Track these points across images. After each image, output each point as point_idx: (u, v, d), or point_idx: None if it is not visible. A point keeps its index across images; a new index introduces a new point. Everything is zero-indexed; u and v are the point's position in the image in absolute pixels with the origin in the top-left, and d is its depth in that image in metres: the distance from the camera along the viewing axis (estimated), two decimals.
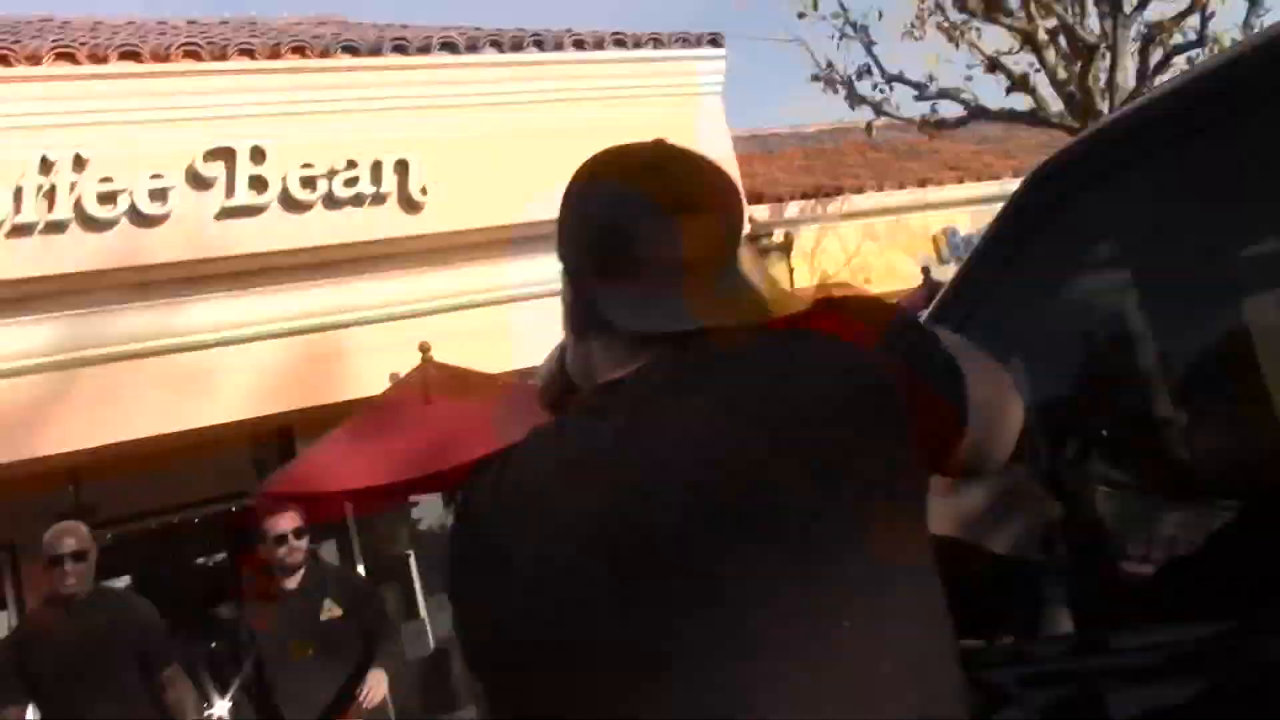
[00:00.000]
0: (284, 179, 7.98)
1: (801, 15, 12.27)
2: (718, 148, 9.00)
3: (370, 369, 7.48)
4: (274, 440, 8.49)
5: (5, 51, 7.26)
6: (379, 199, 8.34)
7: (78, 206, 7.33)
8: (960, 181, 13.01)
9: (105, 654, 4.34)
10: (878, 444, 1.23)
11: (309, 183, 8.07)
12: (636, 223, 1.32)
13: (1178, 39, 11.33)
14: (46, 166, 7.23)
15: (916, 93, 12.13)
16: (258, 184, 7.90)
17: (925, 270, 9.86)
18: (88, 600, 4.51)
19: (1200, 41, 11.18)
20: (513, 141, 8.60)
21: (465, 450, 5.77)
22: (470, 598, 1.27)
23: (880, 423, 1.24)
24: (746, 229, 4.14)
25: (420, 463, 6.02)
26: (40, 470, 7.38)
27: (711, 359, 1.27)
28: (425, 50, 8.87)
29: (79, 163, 7.31)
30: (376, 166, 8.31)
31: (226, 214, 7.83)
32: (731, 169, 5.71)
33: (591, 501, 1.20)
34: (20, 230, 7.18)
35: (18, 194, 7.14)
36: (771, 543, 1.17)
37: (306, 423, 7.82)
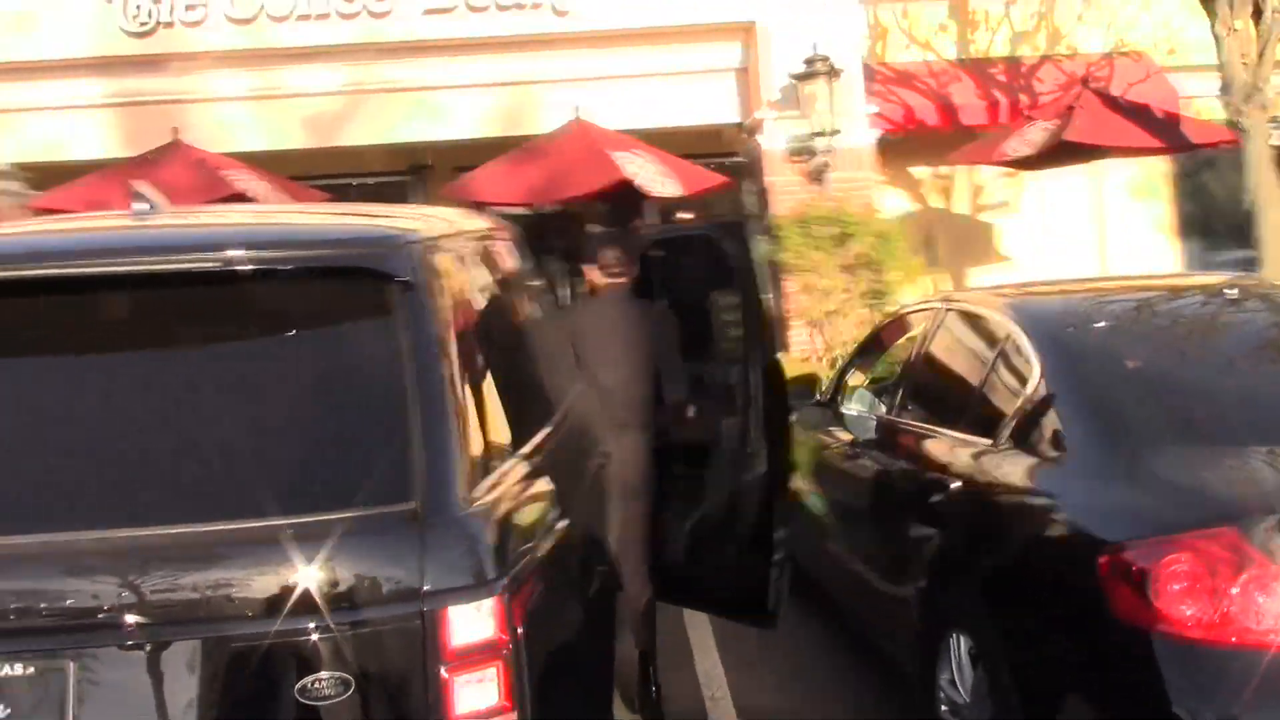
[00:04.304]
0: None
1: None
2: None
3: (537, 118, 11.58)
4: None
5: None
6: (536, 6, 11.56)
7: (333, 3, 11.40)
8: None
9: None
10: None
11: None
12: None
13: None
14: None
15: None
16: None
17: None
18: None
19: None
20: None
21: (577, 185, 9.85)
22: None
23: None
24: None
25: (537, 191, 9.91)
26: None
27: None
28: None
29: None
30: None
31: (430, 12, 11.42)
32: None
33: None
34: (306, 17, 11.48)
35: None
36: None
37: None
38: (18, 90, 11.87)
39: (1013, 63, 13.26)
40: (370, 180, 13.05)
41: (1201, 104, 12.62)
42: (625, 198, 10.69)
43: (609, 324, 4.80)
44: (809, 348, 11.37)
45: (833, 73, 10.90)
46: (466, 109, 12.05)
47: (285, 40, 11.46)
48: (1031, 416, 3.91)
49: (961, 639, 3.84)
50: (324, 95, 11.95)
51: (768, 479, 4.53)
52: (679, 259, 5.26)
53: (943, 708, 3.99)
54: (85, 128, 12.05)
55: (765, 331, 4.61)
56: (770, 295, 12.64)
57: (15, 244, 2.88)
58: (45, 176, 11.89)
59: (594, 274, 5.22)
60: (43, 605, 2.30)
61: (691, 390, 4.97)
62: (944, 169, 13.69)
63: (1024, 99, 12.67)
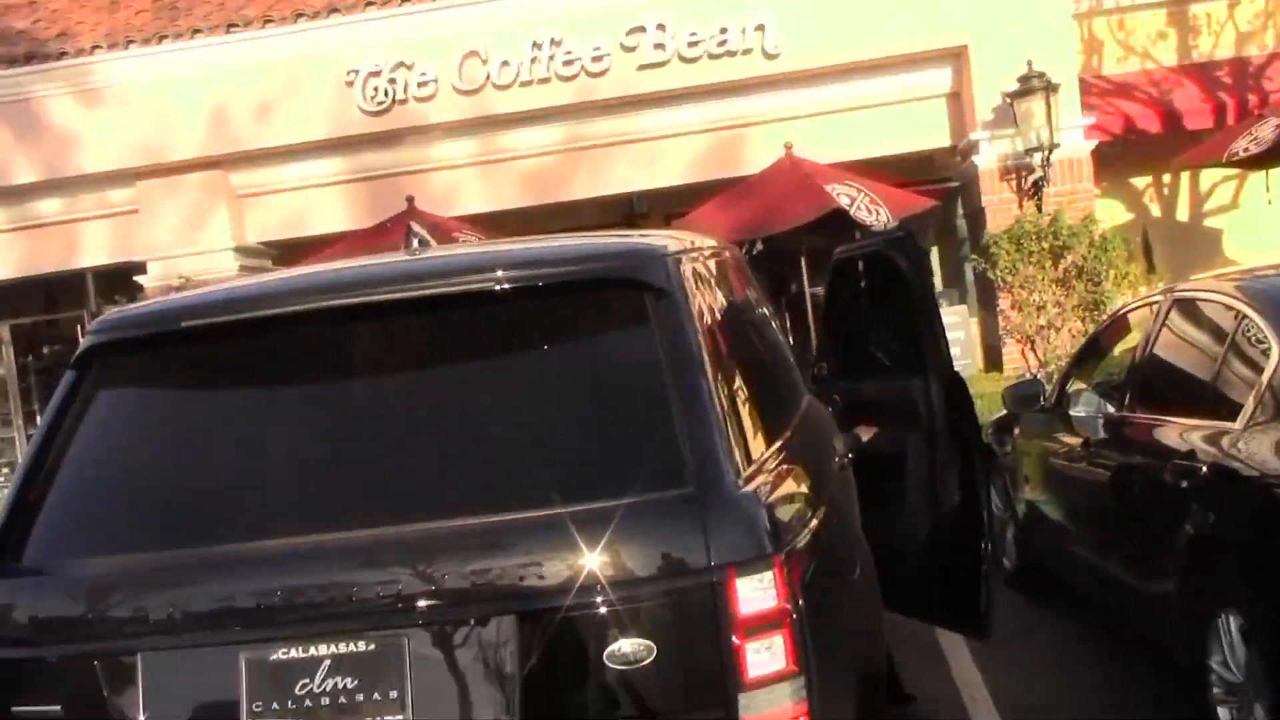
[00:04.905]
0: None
1: None
2: None
3: (748, 157, 11.86)
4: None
5: None
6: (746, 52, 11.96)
7: (553, 67, 12.07)
8: None
9: None
10: None
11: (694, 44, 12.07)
12: None
13: None
14: (537, 47, 12.17)
15: None
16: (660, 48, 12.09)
17: None
18: None
19: None
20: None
21: (790, 218, 10.13)
22: None
23: None
24: None
25: (752, 227, 10.10)
26: None
27: None
28: None
29: (553, 44, 12.18)
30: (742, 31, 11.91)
31: (644, 67, 12.01)
32: None
33: None
34: (528, 83, 12.25)
35: (532, 60, 12.23)
36: None
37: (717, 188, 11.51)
38: (261, 174, 12.96)
39: (1238, 63, 12.85)
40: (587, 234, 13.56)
41: None
42: (838, 228, 10.83)
43: None
44: (1021, 365, 11.25)
45: (1050, 88, 10.85)
46: (679, 155, 12.48)
47: (508, 106, 12.16)
48: (1277, 393, 3.89)
49: (1231, 618, 3.82)
50: (543, 155, 12.61)
51: (966, 490, 4.56)
52: (858, 277, 5.38)
53: (1215, 690, 3.98)
54: (323, 203, 13.03)
55: (942, 344, 4.61)
56: (976, 314, 12.62)
57: (325, 278, 3.27)
58: (287, 252, 12.93)
59: None
60: (380, 590, 2.61)
61: (868, 408, 5.04)
62: (1164, 175, 13.35)
63: (1252, 98, 12.26)
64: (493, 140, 12.58)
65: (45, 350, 15.69)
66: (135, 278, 13.17)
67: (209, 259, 12.74)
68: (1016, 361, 11.37)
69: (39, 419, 14.86)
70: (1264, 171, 12.11)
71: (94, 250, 13.56)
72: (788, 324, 10.95)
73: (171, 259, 12.80)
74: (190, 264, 12.56)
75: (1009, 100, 11.17)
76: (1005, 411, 6.92)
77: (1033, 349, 11.16)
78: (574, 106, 12.24)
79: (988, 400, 9.43)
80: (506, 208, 12.63)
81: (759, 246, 12.39)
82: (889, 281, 4.89)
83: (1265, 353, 4.04)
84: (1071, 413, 5.83)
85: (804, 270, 13.09)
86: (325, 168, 12.89)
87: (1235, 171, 12.58)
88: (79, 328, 14.49)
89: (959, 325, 11.50)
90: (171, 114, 12.61)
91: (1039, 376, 10.36)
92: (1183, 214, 13.57)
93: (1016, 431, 6.53)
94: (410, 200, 11.56)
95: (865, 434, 4.95)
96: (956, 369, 4.73)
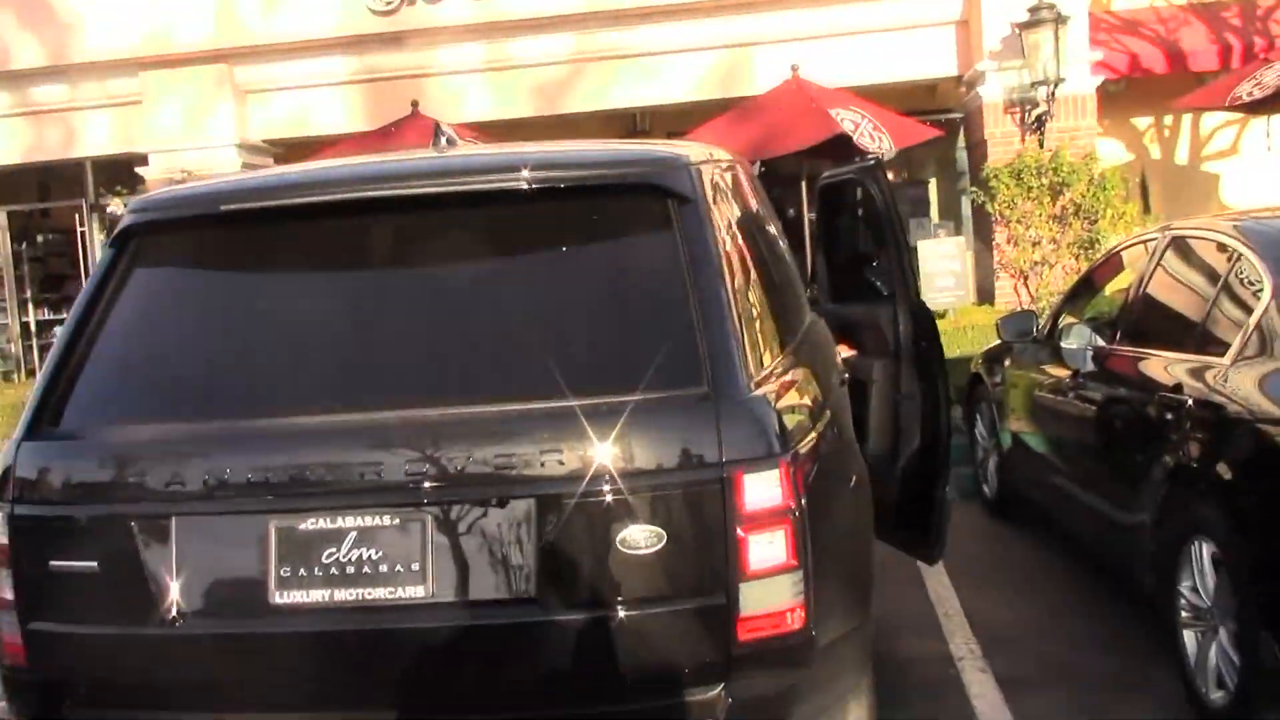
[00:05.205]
0: None
1: None
2: None
3: (753, 77, 11.89)
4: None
5: None
6: None
7: None
8: None
9: None
10: None
11: None
12: None
13: None
14: None
15: None
16: None
17: None
18: None
19: None
20: None
21: (793, 141, 9.95)
22: None
23: None
24: None
25: (754, 148, 9.70)
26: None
27: None
28: None
29: None
30: None
31: None
32: None
33: None
34: None
35: None
36: None
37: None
38: (266, 70, 12.88)
39: (1247, 5, 12.84)
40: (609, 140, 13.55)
41: None
42: (840, 153, 10.85)
43: None
44: (1014, 299, 11.40)
45: (1059, 19, 10.85)
46: (684, 72, 12.45)
47: (516, 11, 12.09)
48: (1266, 331, 4.02)
49: (1203, 545, 3.99)
50: (549, 65, 12.56)
51: (929, 419, 4.66)
52: (839, 203, 5.46)
53: (1183, 614, 4.16)
54: (327, 104, 12.97)
55: (908, 272, 4.69)
56: (971, 247, 12.72)
57: (360, 170, 3.37)
58: (289, 151, 12.93)
59: None
60: (406, 468, 2.74)
61: (847, 333, 5.15)
62: (1165, 117, 13.40)
63: (1259, 41, 12.27)
64: (499, 47, 12.52)
65: (40, 239, 15.68)
66: (136, 169, 13.16)
67: (211, 154, 12.71)
68: (1009, 295, 11.51)
69: (32, 307, 15.01)
70: (1266, 117, 12.17)
71: (95, 140, 13.51)
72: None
73: (173, 152, 12.78)
74: (192, 158, 12.56)
75: (1018, 30, 11.17)
76: (998, 342, 7.05)
77: (1026, 284, 11.30)
78: (582, 15, 12.17)
79: (979, 331, 9.61)
80: (509, 117, 12.61)
81: (759, 168, 12.43)
82: (864, 208, 4.98)
83: (1257, 293, 4.17)
84: (1062, 345, 5.96)
85: (803, 194, 13.16)
86: (331, 67, 12.82)
87: (1237, 116, 12.62)
88: (76, 217, 14.49)
89: (954, 257, 11.61)
90: (178, 2, 12.52)
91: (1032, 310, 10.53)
92: (1182, 157, 13.64)
93: (1007, 362, 6.68)
94: (415, 105, 11.53)
95: (846, 352, 5.08)
96: (923, 300, 4.82)
